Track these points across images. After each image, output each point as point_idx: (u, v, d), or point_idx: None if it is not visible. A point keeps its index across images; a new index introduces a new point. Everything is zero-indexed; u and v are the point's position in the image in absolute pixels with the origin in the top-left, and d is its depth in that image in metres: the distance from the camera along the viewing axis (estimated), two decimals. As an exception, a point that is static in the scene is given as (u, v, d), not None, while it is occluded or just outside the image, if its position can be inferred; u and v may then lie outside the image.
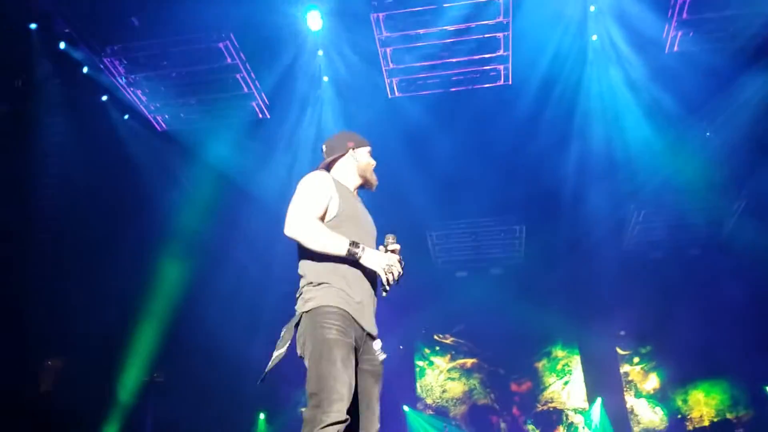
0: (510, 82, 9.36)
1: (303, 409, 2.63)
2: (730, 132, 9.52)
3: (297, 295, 2.90)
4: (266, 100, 9.69)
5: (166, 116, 10.04)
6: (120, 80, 9.14)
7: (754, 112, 9.36)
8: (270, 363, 2.72)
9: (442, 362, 13.81)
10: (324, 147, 3.22)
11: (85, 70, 8.95)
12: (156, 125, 10.13)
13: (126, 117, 9.95)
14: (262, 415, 12.78)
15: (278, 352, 2.70)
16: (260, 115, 9.90)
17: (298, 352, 2.74)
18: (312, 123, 10.28)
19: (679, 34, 8.46)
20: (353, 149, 3.16)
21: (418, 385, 13.65)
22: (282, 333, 2.79)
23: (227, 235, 11.43)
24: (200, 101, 9.75)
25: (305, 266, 2.89)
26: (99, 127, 9.66)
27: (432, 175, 10.39)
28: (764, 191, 10.27)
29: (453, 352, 13.85)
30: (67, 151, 9.43)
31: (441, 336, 14.03)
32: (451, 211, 11.68)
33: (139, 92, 9.43)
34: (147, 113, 9.86)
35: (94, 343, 10.34)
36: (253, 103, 9.69)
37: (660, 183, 10.47)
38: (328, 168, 3.15)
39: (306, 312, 2.73)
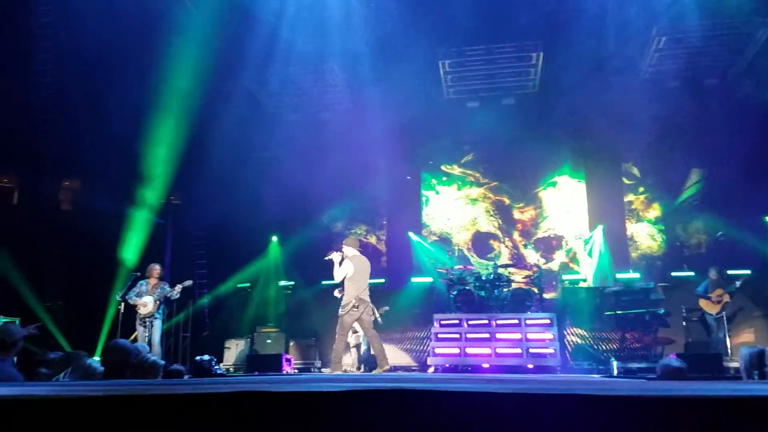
0: None
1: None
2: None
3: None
4: None
5: None
6: None
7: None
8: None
9: (448, 192, 14.08)
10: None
11: None
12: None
13: None
14: (274, 238, 13.39)
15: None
16: None
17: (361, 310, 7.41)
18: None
19: None
20: None
21: (423, 213, 14.08)
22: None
23: (235, 64, 11.03)
24: None
25: None
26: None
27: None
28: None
29: (459, 182, 14.08)
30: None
31: (449, 166, 14.16)
32: (465, 36, 11.17)
33: None
34: None
35: (115, 165, 10.53)
36: None
37: (684, 6, 9.83)
38: None
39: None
